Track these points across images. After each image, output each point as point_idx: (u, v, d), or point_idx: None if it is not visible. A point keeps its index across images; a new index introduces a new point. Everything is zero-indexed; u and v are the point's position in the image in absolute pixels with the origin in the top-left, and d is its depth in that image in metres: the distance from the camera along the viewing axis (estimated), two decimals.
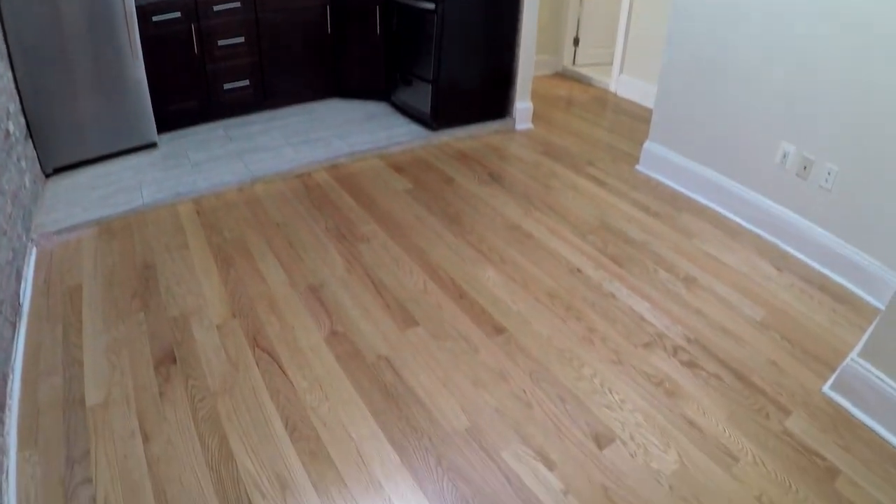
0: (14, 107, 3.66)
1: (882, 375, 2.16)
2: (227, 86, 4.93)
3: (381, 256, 3.25)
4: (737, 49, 3.47)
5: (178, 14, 4.56)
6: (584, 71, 6.55)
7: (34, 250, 3.34)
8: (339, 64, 5.36)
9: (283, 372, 2.46)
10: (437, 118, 4.76)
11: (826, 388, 2.38)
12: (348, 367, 2.48)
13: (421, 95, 4.82)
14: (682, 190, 4.00)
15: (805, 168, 3.21)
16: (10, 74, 3.72)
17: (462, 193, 3.94)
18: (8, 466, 1.98)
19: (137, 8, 4.24)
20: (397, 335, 2.66)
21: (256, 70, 5.01)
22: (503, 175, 4.21)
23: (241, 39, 4.87)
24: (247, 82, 5.00)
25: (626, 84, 5.95)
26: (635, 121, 5.23)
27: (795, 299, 2.95)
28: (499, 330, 2.70)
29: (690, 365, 2.50)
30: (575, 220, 3.62)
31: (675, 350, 2.59)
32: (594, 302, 2.89)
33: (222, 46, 4.81)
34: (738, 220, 3.65)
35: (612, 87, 6.13)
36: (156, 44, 4.49)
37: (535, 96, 5.26)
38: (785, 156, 3.31)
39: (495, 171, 4.26)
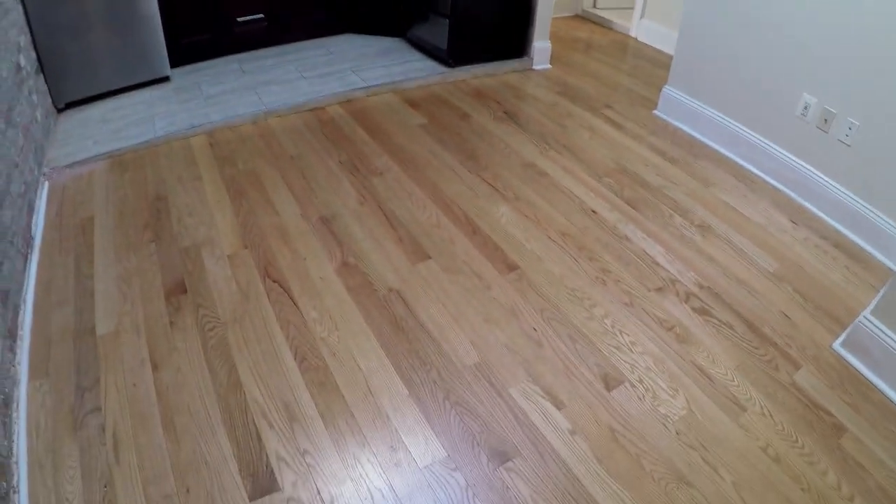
0: (25, 40, 3.60)
1: (893, 335, 2.14)
2: (241, 18, 4.82)
3: (395, 190, 3.22)
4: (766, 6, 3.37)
5: None
6: (605, 14, 6.39)
7: (46, 184, 3.31)
8: None
9: (294, 302, 2.45)
10: (454, 54, 4.66)
11: (836, 345, 2.36)
12: (359, 299, 2.47)
13: (437, 31, 4.71)
14: (701, 137, 3.92)
15: (826, 121, 3.13)
16: (20, 8, 3.64)
17: (477, 130, 3.88)
18: (19, 396, 1.99)
19: None
20: (409, 268, 2.65)
21: (271, 2, 4.91)
22: (519, 113, 4.14)
23: None
24: (261, 15, 4.90)
25: (647, 29, 5.82)
26: (655, 66, 5.12)
27: (810, 254, 2.91)
28: (511, 267, 2.68)
29: (702, 312, 2.49)
30: (591, 161, 3.57)
31: (688, 296, 2.57)
32: (608, 243, 2.87)
33: None
34: (755, 170, 3.59)
35: (633, 32, 6.00)
36: None
37: (554, 38, 5.16)
38: (806, 107, 3.23)
39: (511, 109, 4.19)
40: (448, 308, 2.43)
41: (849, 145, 3.03)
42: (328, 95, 4.24)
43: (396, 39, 5.28)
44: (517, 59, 4.91)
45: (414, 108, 4.13)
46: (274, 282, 2.57)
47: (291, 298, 2.47)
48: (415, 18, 5.01)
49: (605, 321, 2.41)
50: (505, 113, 4.12)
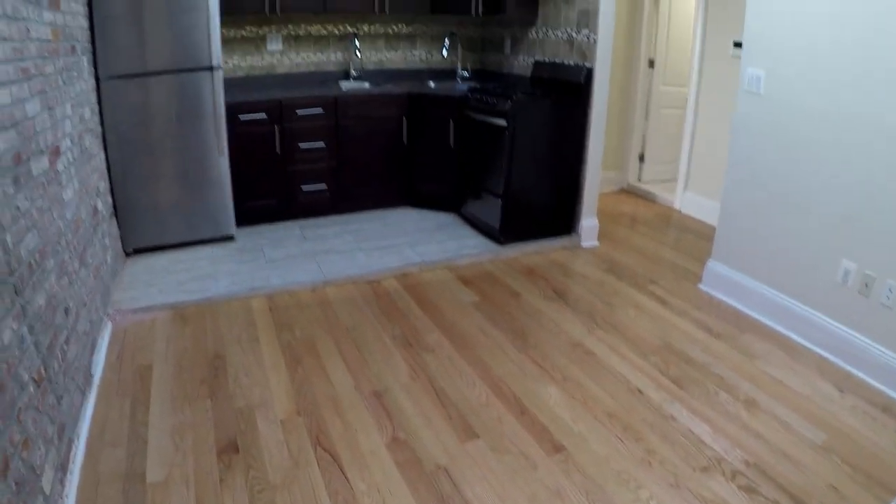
0: (104, 186, 3.98)
1: None
2: (305, 187, 5.21)
3: (446, 367, 3.33)
4: (798, 168, 3.57)
5: (263, 115, 4.92)
6: (649, 187, 6.69)
7: (109, 325, 3.53)
8: (413, 173, 5.61)
9: (343, 473, 2.52)
10: (506, 233, 4.91)
11: None
12: (407, 475, 2.53)
13: (490, 209, 4.99)
14: (745, 309, 4.01)
15: (866, 285, 3.23)
16: (103, 155, 4.07)
17: (527, 309, 4.02)
18: None
19: (227, 106, 4.61)
20: (457, 446, 2.71)
21: (334, 174, 5.29)
22: (567, 292, 4.29)
23: (322, 144, 5.19)
24: (324, 185, 5.27)
25: (691, 201, 6.05)
26: (699, 238, 5.29)
27: (858, 421, 2.90)
28: (557, 448, 2.73)
29: (749, 490, 2.48)
30: (636, 339, 3.66)
31: (734, 475, 2.57)
32: (653, 423, 2.90)
33: (303, 149, 5.13)
34: (800, 339, 3.64)
35: (677, 205, 6.24)
36: (241, 141, 4.86)
37: (601, 213, 5.38)
38: (846, 274, 3.34)
39: (560, 287, 4.35)
40: (494, 487, 2.47)
41: (890, 308, 3.10)
42: (384, 269, 4.47)
43: (451, 215, 5.57)
44: (566, 237, 5.13)
45: (466, 285, 4.31)
46: (325, 451, 2.65)
47: (341, 469, 2.55)
48: (469, 196, 5.31)
49: (651, 503, 2.42)
50: (554, 291, 4.27)
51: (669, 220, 5.92)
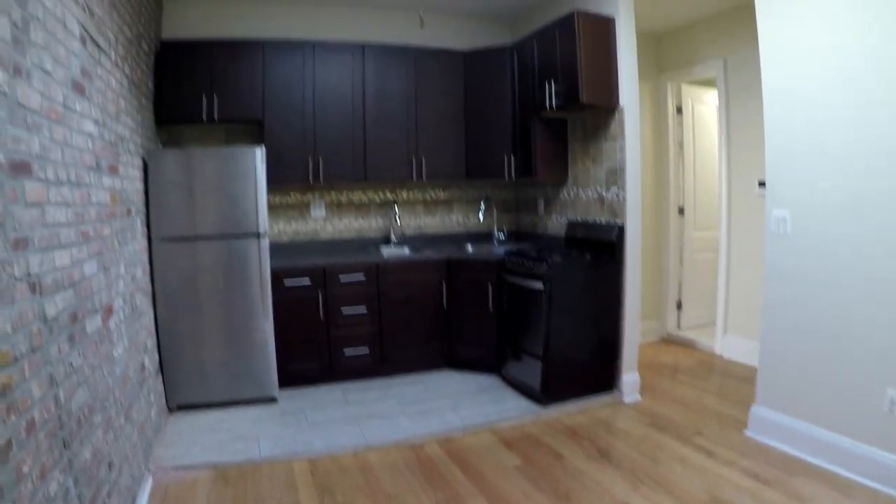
0: (151, 343, 4.09)
1: None
2: (347, 351, 5.27)
3: None
4: (833, 304, 3.60)
5: (307, 280, 5.08)
6: (689, 334, 6.68)
7: (150, 479, 3.51)
8: (453, 337, 5.66)
9: None
10: (547, 394, 4.86)
11: None
12: None
13: (531, 370, 4.97)
14: (793, 451, 3.89)
15: None
16: (152, 313, 4.22)
17: (570, 470, 3.91)
18: None
19: (272, 271, 4.80)
20: None
21: (376, 338, 5.36)
22: (611, 450, 4.18)
23: (364, 309, 5.28)
24: (366, 349, 5.32)
25: (731, 344, 6.01)
26: (742, 382, 5.21)
27: None
28: None
29: None
30: (683, 494, 3.51)
31: None
32: None
33: (346, 314, 5.23)
34: (851, 475, 3.52)
35: (718, 349, 6.19)
36: (285, 305, 4.99)
37: (642, 365, 5.33)
38: (892, 403, 3.29)
39: (603, 446, 4.24)
40: None
41: None
42: (426, 433, 4.41)
43: (492, 377, 5.55)
44: (608, 393, 5.06)
45: (509, 448, 4.22)
46: None
47: None
48: (509, 358, 5.31)
49: None
50: (597, 451, 4.16)
51: (711, 367, 5.85)
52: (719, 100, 6.09)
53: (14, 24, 1.96)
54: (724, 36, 5.99)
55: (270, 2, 5.86)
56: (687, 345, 6.61)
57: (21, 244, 1.99)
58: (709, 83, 6.55)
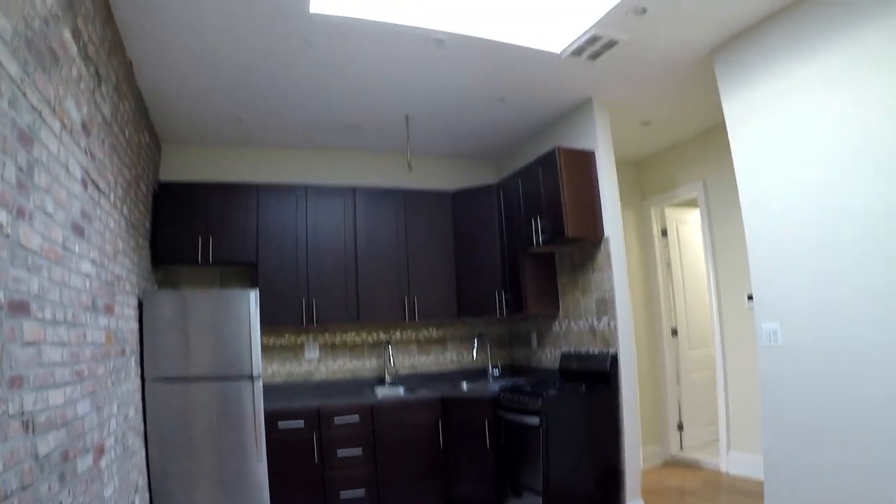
0: (142, 483, 4.01)
1: None
2: (343, 494, 5.12)
3: None
4: (832, 411, 3.56)
5: (302, 423, 5.01)
6: (693, 454, 6.55)
7: None
8: (451, 476, 5.52)
9: None
10: None
11: None
12: None
13: None
14: None
15: None
16: (144, 453, 4.16)
17: None
18: None
19: (266, 413, 4.74)
20: None
21: (372, 480, 5.22)
22: None
23: (359, 451, 5.18)
24: (362, 492, 5.17)
25: (737, 460, 5.88)
26: (751, 499, 5.07)
27: None
28: None
29: None
30: None
31: None
32: None
33: (341, 457, 5.11)
34: None
35: (723, 467, 6.05)
36: (279, 447, 4.89)
37: (647, 491, 5.21)
38: None
39: None
40: None
41: None
42: None
43: None
44: None
45: None
46: None
47: None
48: (509, 494, 5.17)
49: None
50: None
51: (719, 486, 5.69)
52: (702, 219, 6.29)
53: (19, 168, 2.06)
54: (702, 158, 6.28)
55: (264, 147, 6.14)
56: (692, 465, 6.45)
57: (17, 382, 2.00)
58: (691, 203, 6.76)
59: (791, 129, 3.86)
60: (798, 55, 3.81)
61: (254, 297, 4.80)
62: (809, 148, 3.74)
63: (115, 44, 3.57)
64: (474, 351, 6.40)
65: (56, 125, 2.45)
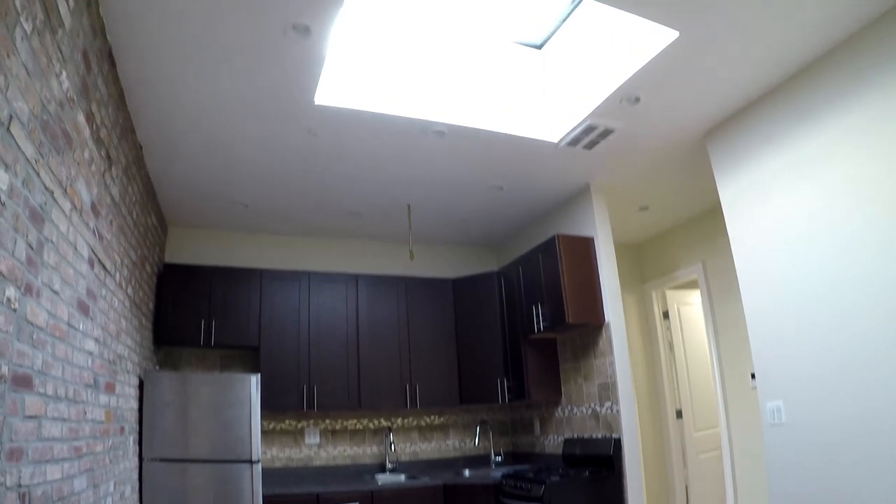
0: None
1: None
2: None
3: None
4: (841, 485, 3.47)
5: None
6: None
7: None
8: None
9: None
10: None
11: None
12: None
13: None
14: None
15: None
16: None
17: None
18: None
19: (265, 498, 4.73)
20: None
21: None
22: None
23: None
24: None
25: None
26: None
27: None
28: None
29: None
30: None
31: None
32: None
33: None
34: None
35: None
36: None
37: None
38: None
39: None
40: None
41: None
42: None
43: None
44: None
45: None
46: None
47: None
48: None
49: None
50: None
51: None
52: (703, 300, 6.31)
53: (30, 246, 2.13)
54: (701, 240, 6.36)
55: (268, 232, 6.27)
56: None
57: (16, 454, 2.02)
58: (691, 284, 6.79)
59: (786, 207, 3.94)
60: (788, 134, 3.94)
61: (255, 381, 4.81)
62: (805, 225, 3.81)
63: (126, 128, 3.72)
64: (476, 437, 6.35)
65: (67, 205, 2.54)
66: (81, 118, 2.72)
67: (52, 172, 2.34)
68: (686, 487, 6.66)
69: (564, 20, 3.63)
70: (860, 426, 3.40)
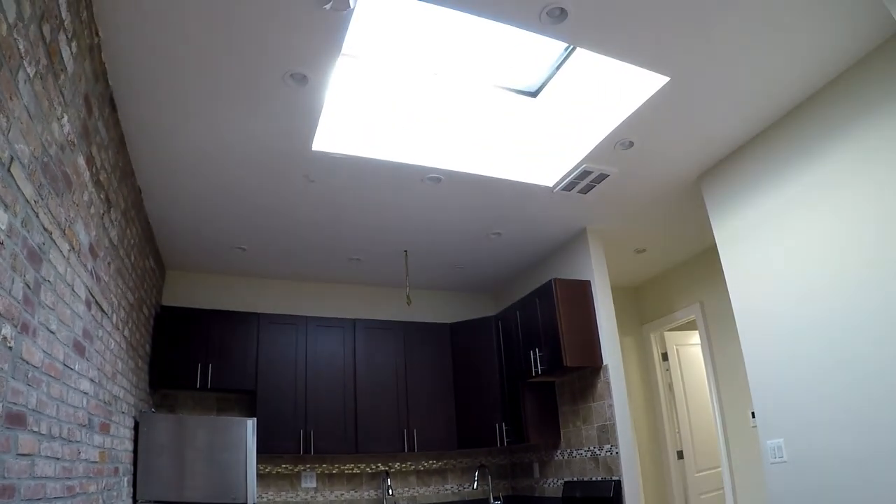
0: None
1: None
2: None
3: None
4: None
5: None
6: None
7: None
8: None
9: None
10: None
11: None
12: None
13: None
14: None
15: None
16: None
17: None
18: None
19: None
20: None
21: None
22: None
23: None
24: None
25: None
26: None
27: None
28: None
29: None
30: None
31: None
32: None
33: None
34: None
35: None
36: None
37: None
38: None
39: None
40: None
41: None
42: None
43: None
44: None
45: None
46: None
47: None
48: None
49: None
50: None
51: None
52: (701, 340, 6.31)
53: (27, 285, 2.15)
54: (698, 281, 6.38)
55: (266, 277, 6.30)
56: None
57: (8, 492, 2.02)
58: (690, 325, 6.80)
59: (781, 246, 3.98)
60: (782, 173, 3.99)
61: (251, 424, 4.81)
62: (801, 263, 3.83)
63: (126, 171, 3.78)
64: (475, 481, 6.30)
65: (65, 246, 2.57)
66: (82, 161, 2.77)
67: (51, 213, 2.38)
68: None
69: (558, 67, 3.70)
70: (862, 464, 3.38)
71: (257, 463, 4.82)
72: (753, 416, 4.29)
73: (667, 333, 7.01)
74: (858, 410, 3.41)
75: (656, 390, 6.90)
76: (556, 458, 5.84)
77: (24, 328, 2.15)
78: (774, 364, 3.98)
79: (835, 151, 3.65)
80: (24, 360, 2.15)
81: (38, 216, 2.23)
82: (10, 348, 2.03)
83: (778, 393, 3.94)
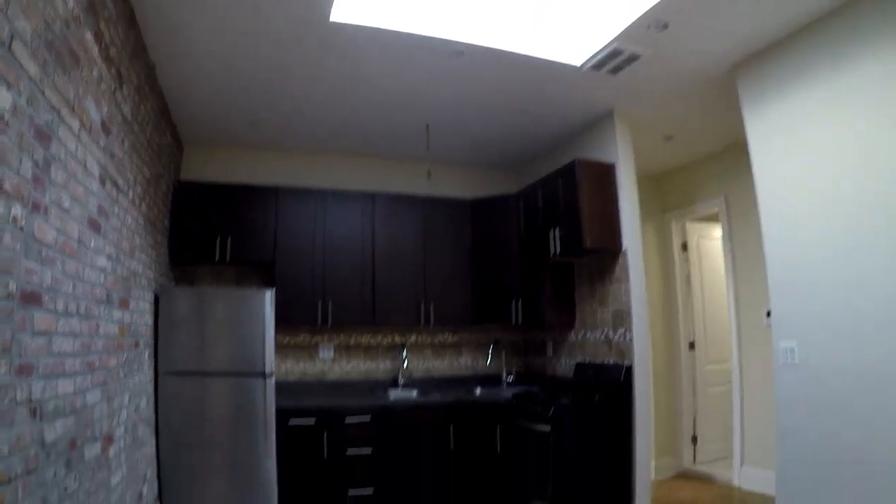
0: (151, 473, 4.09)
1: None
2: (351, 492, 5.14)
3: None
4: (849, 430, 3.51)
5: (312, 420, 5.05)
6: (706, 468, 6.52)
7: None
8: (460, 479, 5.51)
9: None
10: None
11: None
12: None
13: None
14: None
15: None
16: (154, 444, 4.24)
17: None
18: None
19: (277, 410, 4.80)
20: None
21: (381, 480, 5.23)
22: None
23: (369, 450, 5.21)
24: (370, 490, 5.19)
25: (750, 476, 5.85)
26: None
27: None
28: None
29: None
30: None
31: None
32: None
33: (350, 455, 5.14)
34: None
35: (736, 481, 6.01)
36: (290, 444, 4.95)
37: (658, 503, 5.17)
38: None
39: None
40: None
41: None
42: None
43: None
44: None
45: None
46: None
47: None
48: (516, 499, 5.16)
49: None
50: None
51: (730, 500, 5.65)
52: (723, 235, 6.28)
53: (35, 164, 2.11)
54: (724, 173, 6.26)
55: (284, 150, 6.23)
56: (704, 479, 6.40)
57: (25, 370, 2.05)
58: (712, 218, 6.73)
59: (813, 147, 3.83)
60: (821, 73, 3.79)
61: (269, 296, 4.86)
62: (832, 165, 3.71)
63: (137, 46, 3.65)
64: (489, 357, 6.42)
65: (75, 124, 2.51)
66: (89, 36, 2.67)
67: (59, 91, 2.31)
68: (694, 418, 6.75)
69: None
70: (873, 373, 3.39)
71: (276, 334, 4.90)
72: (769, 316, 4.27)
73: (689, 224, 6.94)
74: (877, 323, 3.38)
75: (673, 280, 6.91)
76: (570, 338, 5.91)
77: (36, 207, 2.13)
78: (795, 264, 3.92)
79: (881, 56, 3.43)
80: (36, 238, 2.14)
81: (43, 94, 2.16)
82: (21, 228, 2.02)
83: (796, 294, 3.91)
